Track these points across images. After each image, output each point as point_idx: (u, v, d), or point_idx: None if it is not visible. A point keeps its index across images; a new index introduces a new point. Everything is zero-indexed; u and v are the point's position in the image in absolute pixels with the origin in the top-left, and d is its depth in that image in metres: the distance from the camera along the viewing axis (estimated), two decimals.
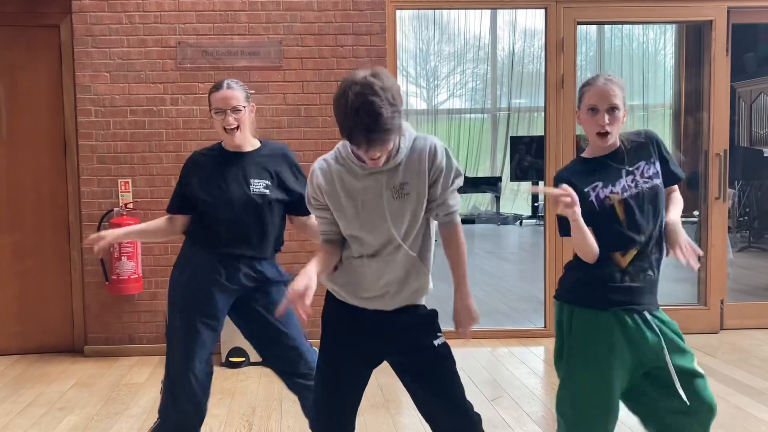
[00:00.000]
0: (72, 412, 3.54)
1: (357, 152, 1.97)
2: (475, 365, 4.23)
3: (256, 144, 2.68)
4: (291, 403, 3.65)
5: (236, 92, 2.60)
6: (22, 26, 4.44)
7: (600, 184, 2.18)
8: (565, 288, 2.25)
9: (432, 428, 2.18)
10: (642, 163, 2.21)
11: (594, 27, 11.88)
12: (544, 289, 4.88)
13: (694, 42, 10.75)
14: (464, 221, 2.30)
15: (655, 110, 12.72)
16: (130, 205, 4.45)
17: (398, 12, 4.72)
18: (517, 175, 11.76)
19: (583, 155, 2.29)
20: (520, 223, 11.77)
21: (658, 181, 2.20)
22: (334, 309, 2.18)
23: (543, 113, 4.89)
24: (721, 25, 4.78)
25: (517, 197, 12.77)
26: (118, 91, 4.44)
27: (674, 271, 7.41)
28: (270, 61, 4.49)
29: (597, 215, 2.15)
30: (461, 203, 2.20)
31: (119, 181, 4.47)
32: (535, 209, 11.47)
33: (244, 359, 4.22)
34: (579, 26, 4.79)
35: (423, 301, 2.18)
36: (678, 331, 2.21)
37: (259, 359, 4.23)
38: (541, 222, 6.33)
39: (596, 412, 2.16)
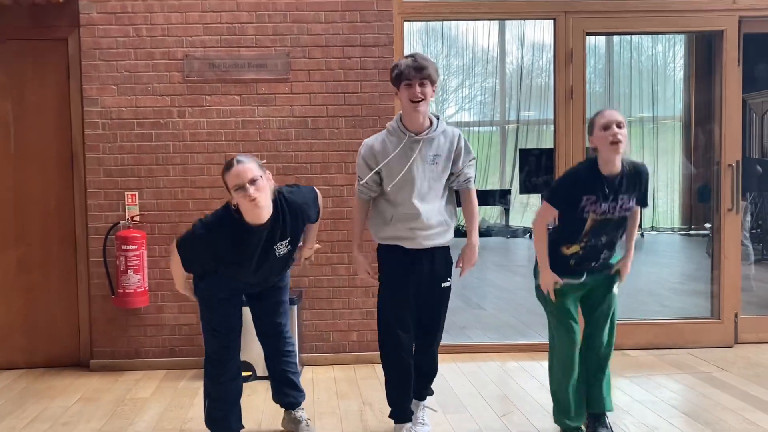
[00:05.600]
0: (76, 428, 3.50)
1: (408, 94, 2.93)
2: (484, 380, 4.16)
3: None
4: None
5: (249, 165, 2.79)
6: (30, 40, 4.45)
7: (594, 198, 2.86)
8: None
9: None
10: (626, 196, 2.88)
11: (603, 40, 11.83)
12: None
13: (704, 53, 10.72)
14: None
15: (665, 122, 12.65)
16: (137, 218, 4.43)
17: (406, 25, 4.69)
18: (526, 188, 11.72)
19: (599, 166, 2.88)
20: (530, 236, 11.66)
21: (629, 213, 2.96)
22: None
23: (551, 126, 4.84)
24: (732, 36, 4.73)
25: (526, 210, 12.69)
26: (125, 103, 4.44)
27: (687, 285, 7.35)
28: (277, 73, 4.48)
29: (574, 216, 2.89)
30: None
31: (126, 193, 4.45)
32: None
33: (251, 373, 4.16)
34: (588, 37, 4.76)
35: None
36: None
37: (265, 374, 4.18)
38: None
39: None
